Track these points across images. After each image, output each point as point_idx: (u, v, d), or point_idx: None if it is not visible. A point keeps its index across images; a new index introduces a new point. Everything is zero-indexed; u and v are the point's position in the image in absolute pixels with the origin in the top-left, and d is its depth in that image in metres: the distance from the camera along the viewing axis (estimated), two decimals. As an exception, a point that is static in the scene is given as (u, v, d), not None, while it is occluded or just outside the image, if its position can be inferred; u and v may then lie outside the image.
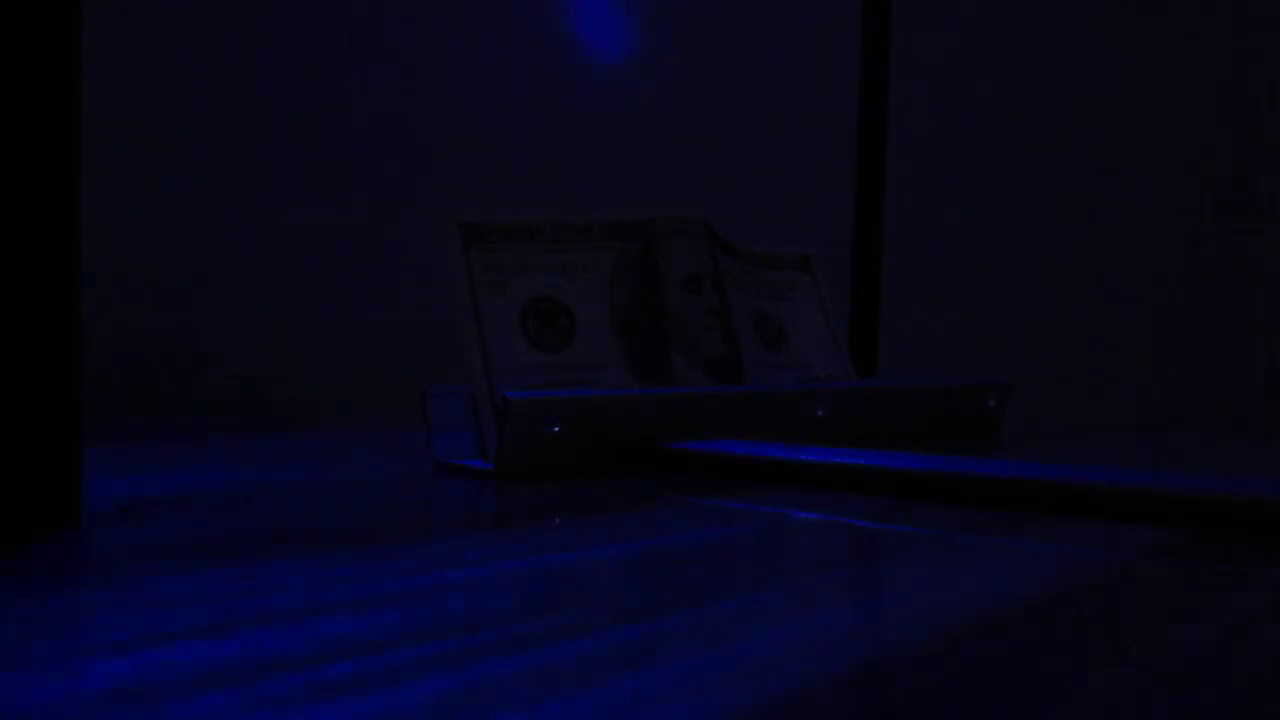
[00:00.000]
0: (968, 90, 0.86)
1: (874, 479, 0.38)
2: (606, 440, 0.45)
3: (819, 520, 0.32)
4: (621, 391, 0.46)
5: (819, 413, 0.53)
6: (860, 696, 0.16)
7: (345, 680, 0.16)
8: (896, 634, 0.19)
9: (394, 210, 0.92)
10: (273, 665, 0.17)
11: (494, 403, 0.47)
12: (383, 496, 0.36)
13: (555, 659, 0.17)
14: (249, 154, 0.84)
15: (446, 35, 1.02)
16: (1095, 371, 0.85)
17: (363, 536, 0.29)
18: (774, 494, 0.37)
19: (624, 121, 1.01)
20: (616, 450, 0.45)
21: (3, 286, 0.28)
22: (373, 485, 0.39)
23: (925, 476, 0.37)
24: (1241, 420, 0.78)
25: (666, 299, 0.53)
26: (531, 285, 0.51)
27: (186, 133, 0.77)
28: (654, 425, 0.46)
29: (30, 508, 0.29)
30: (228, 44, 0.85)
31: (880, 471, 0.38)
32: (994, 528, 0.31)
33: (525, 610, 0.21)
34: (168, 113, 0.69)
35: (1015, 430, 0.65)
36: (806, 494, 0.37)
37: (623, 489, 0.38)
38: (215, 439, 0.57)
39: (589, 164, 1.04)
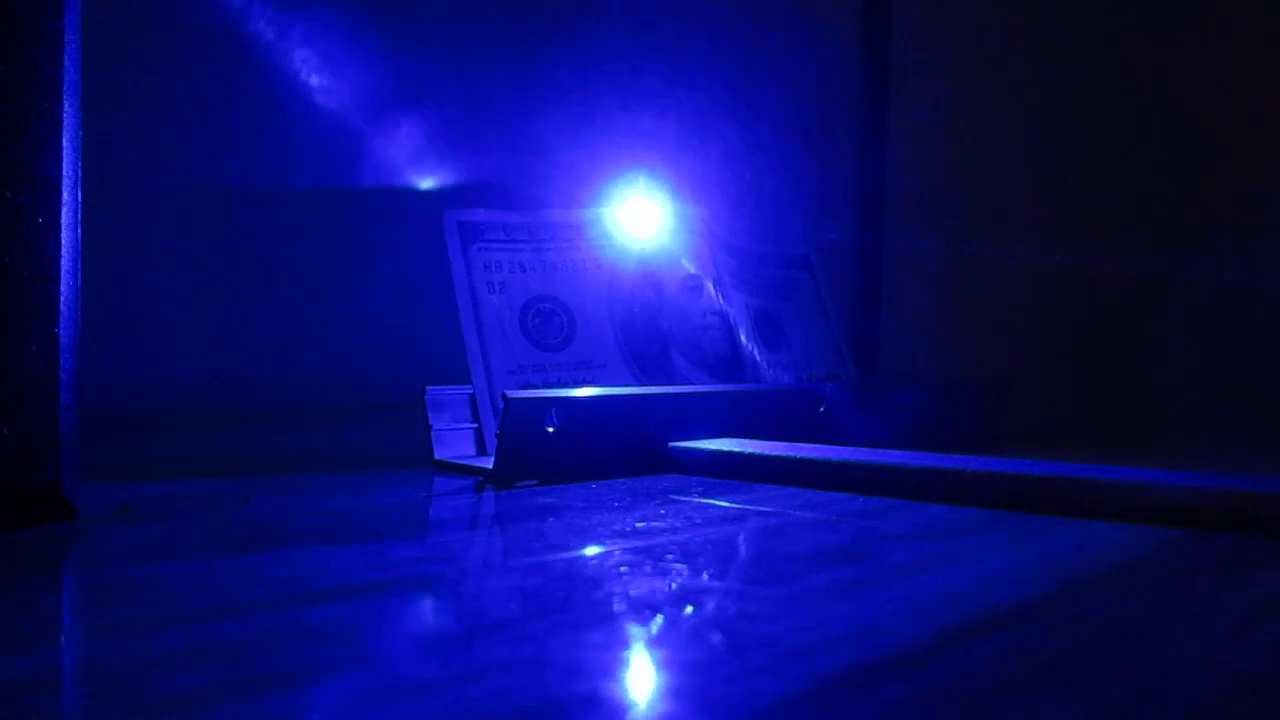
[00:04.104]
0: (970, 86, 0.86)
1: (874, 478, 0.38)
2: (606, 439, 0.45)
3: (819, 519, 0.32)
4: (621, 391, 0.46)
5: (820, 411, 0.53)
6: (861, 696, 0.16)
7: (341, 673, 0.16)
8: (896, 633, 0.19)
9: (393, 207, 0.92)
10: (268, 654, 0.17)
11: (494, 402, 0.47)
12: (382, 495, 0.36)
13: (553, 654, 0.17)
14: (247, 152, 0.84)
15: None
16: (1095, 371, 0.85)
17: (362, 534, 0.28)
18: (774, 493, 0.37)
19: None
20: (616, 449, 0.45)
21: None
22: (372, 484, 0.39)
23: (925, 476, 0.37)
24: (1243, 419, 0.78)
25: (666, 298, 0.53)
26: (531, 284, 0.51)
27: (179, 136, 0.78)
28: (654, 424, 0.46)
29: (27, 503, 0.29)
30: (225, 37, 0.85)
31: (880, 471, 0.38)
32: (993, 527, 0.31)
33: (523, 607, 0.21)
34: (163, 111, 0.69)
35: (1015, 430, 0.65)
36: (806, 493, 0.37)
37: (622, 488, 0.38)
38: (213, 438, 0.57)
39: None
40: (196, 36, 0.77)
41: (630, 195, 0.53)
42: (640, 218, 0.53)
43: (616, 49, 0.66)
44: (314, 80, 0.58)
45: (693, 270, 0.54)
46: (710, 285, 0.54)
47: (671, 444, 0.45)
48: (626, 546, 0.27)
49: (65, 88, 0.29)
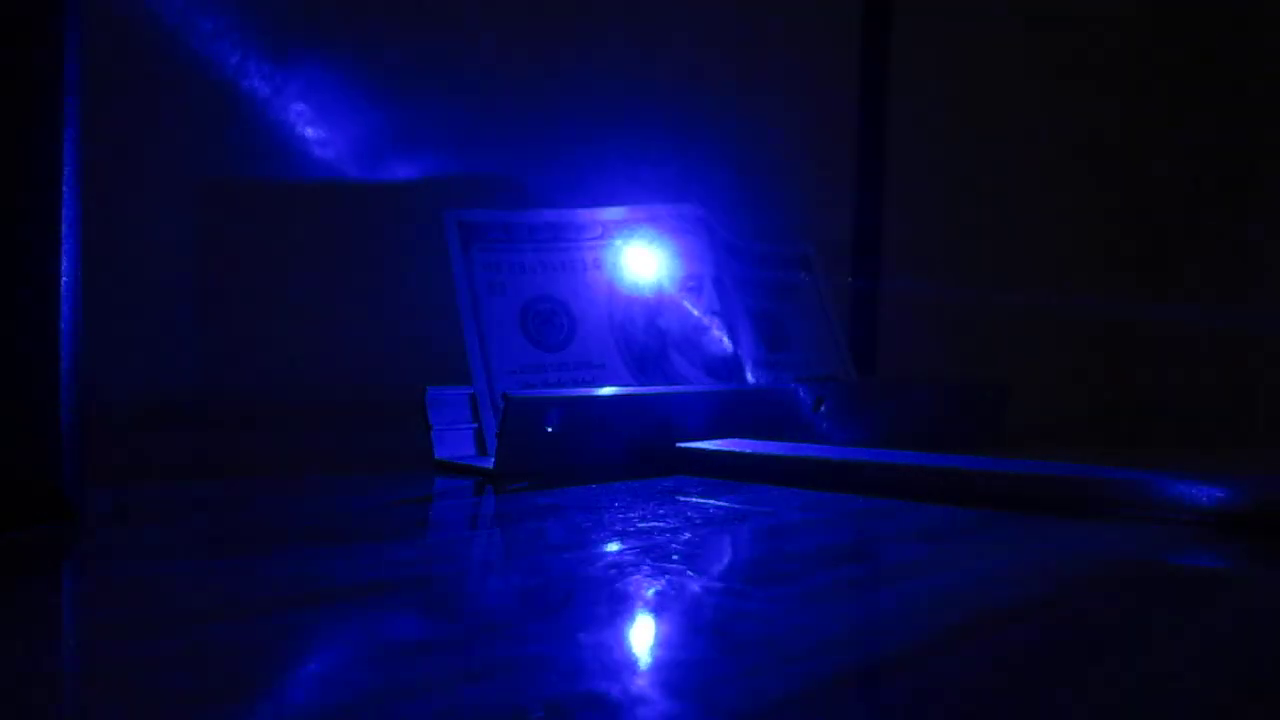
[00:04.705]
0: (970, 85, 0.86)
1: (874, 478, 0.38)
2: (606, 439, 0.45)
3: (819, 519, 0.32)
4: (621, 390, 0.46)
5: (819, 412, 0.53)
6: (861, 696, 0.16)
7: (341, 673, 0.16)
8: (896, 633, 0.19)
9: (392, 207, 0.92)
10: (268, 654, 0.17)
11: (494, 402, 0.47)
12: (382, 495, 0.36)
13: (553, 654, 0.17)
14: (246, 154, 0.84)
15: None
16: (1095, 372, 0.85)
17: (362, 534, 0.28)
18: (774, 493, 0.37)
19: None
20: (616, 449, 0.45)
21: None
22: (372, 484, 0.39)
23: (925, 476, 0.37)
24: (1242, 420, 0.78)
25: (666, 298, 0.53)
26: (531, 284, 0.51)
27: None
28: (654, 424, 0.46)
29: (27, 503, 0.29)
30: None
31: (880, 471, 0.38)
32: (993, 527, 0.31)
33: (523, 607, 0.21)
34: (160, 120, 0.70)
35: (1015, 430, 0.65)
36: (807, 493, 0.37)
37: (623, 488, 0.38)
38: (213, 439, 0.57)
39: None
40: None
41: (632, 243, 0.53)
42: (642, 259, 0.53)
43: (619, 99, 0.68)
44: (310, 131, 0.59)
45: (692, 270, 0.54)
46: (710, 284, 0.54)
47: (678, 444, 0.45)
48: (627, 546, 0.27)
49: (66, 86, 0.29)
